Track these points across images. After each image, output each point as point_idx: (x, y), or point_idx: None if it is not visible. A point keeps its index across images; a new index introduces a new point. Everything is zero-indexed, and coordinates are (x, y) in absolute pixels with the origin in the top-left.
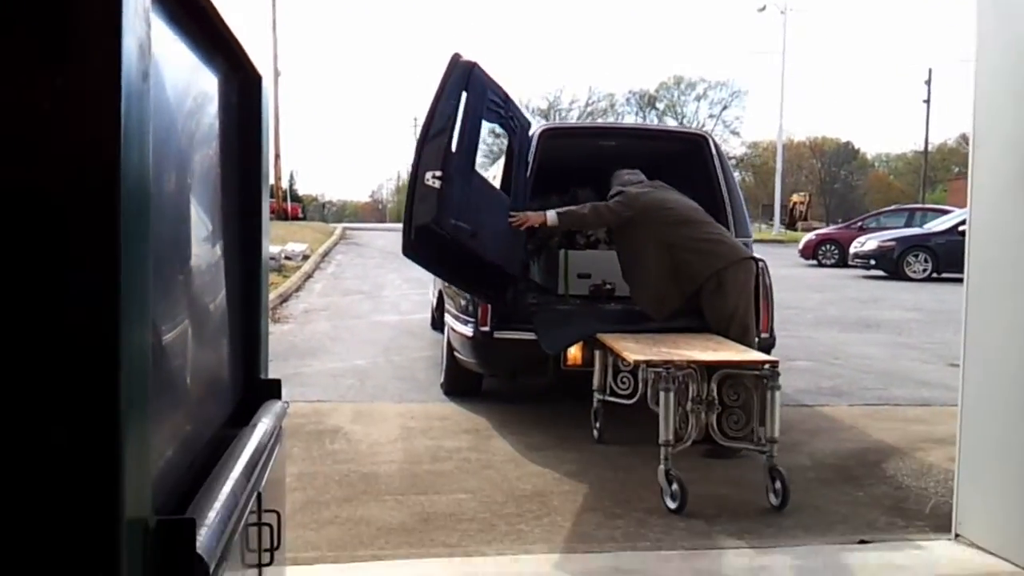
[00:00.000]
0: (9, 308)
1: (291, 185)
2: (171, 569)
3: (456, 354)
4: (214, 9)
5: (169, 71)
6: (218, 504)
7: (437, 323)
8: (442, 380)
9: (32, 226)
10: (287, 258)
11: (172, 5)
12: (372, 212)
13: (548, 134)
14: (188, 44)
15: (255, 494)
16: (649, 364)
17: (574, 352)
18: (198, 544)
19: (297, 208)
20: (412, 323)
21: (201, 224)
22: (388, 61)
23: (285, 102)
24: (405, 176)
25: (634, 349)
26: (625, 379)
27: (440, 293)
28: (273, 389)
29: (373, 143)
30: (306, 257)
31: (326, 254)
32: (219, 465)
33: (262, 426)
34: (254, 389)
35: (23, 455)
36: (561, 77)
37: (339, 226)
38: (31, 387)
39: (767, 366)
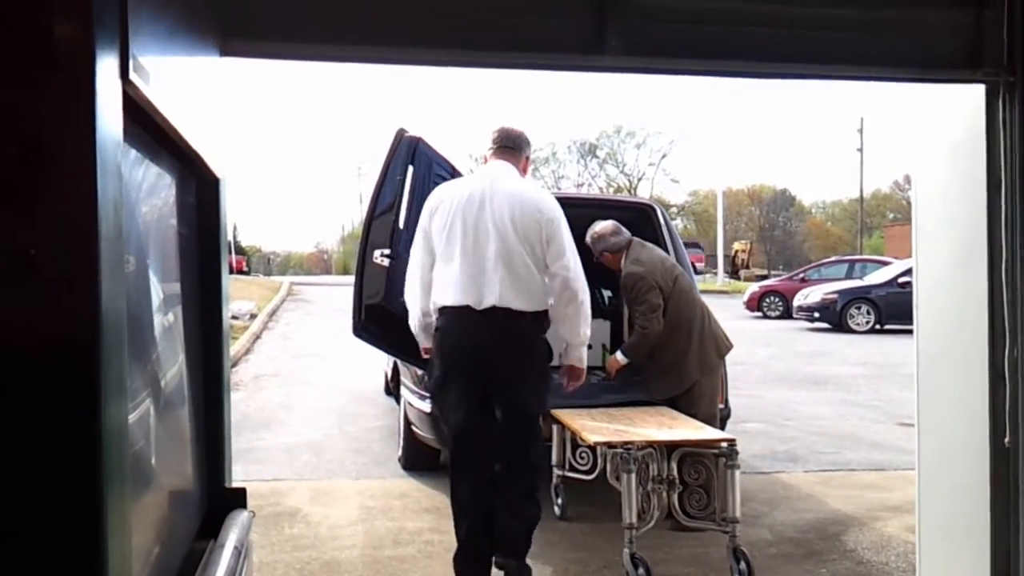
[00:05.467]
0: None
1: (234, 236)
2: None
3: (413, 428)
4: (175, 130)
5: (136, 184)
6: None
7: (391, 390)
8: (399, 454)
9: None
10: (234, 317)
11: (139, 131)
12: (317, 263)
13: None
14: (151, 158)
15: None
16: (609, 446)
17: None
18: None
19: (242, 261)
20: (364, 388)
21: (170, 331)
22: (329, 109)
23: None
24: (350, 226)
25: (591, 428)
26: (584, 454)
27: (395, 362)
28: (238, 498)
29: (316, 193)
30: (253, 316)
31: (273, 312)
32: None
33: (231, 543)
34: (220, 498)
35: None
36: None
37: (286, 280)
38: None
39: (726, 444)
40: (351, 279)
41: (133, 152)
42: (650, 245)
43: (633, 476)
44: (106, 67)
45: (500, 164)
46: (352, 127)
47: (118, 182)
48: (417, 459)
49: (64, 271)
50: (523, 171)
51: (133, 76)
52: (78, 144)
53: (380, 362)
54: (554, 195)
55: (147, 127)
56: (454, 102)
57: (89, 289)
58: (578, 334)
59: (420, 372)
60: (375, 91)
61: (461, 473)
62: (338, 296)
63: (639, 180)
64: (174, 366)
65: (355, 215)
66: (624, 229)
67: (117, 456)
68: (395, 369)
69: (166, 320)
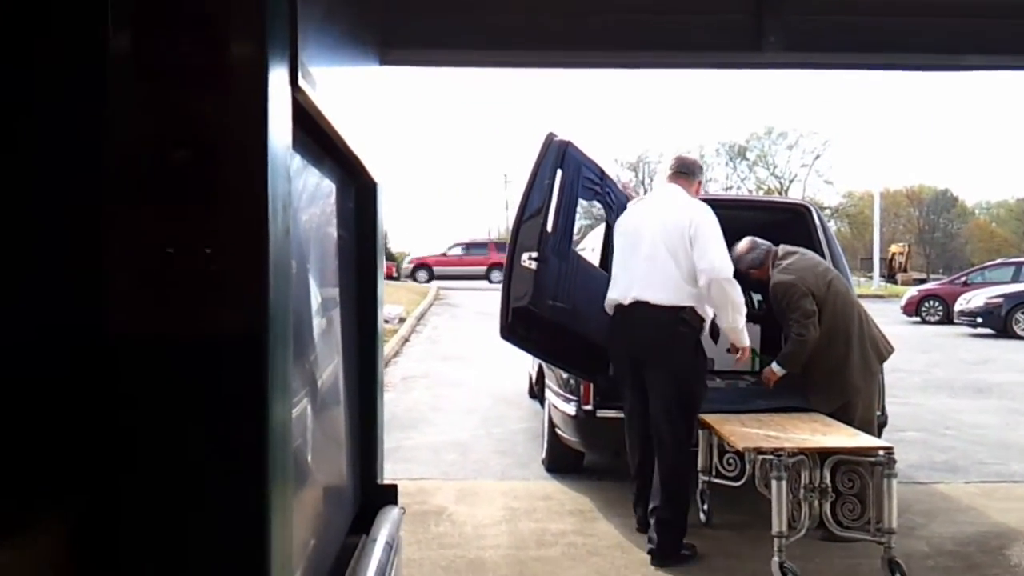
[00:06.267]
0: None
1: (385, 242)
2: None
3: (558, 431)
4: (339, 136)
5: (301, 188)
6: None
7: (535, 392)
8: (543, 456)
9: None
10: (385, 321)
11: (305, 137)
12: None
13: None
14: (316, 163)
15: None
16: (759, 452)
17: None
18: None
19: (392, 267)
20: (508, 391)
21: (327, 332)
22: (475, 116)
23: None
24: (496, 233)
25: (741, 434)
26: (731, 460)
27: (540, 365)
28: (390, 494)
29: (462, 200)
30: (402, 320)
31: (422, 316)
32: None
33: (382, 538)
34: (372, 494)
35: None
36: (648, 130)
37: (433, 285)
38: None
39: (883, 452)
40: (494, 284)
41: (299, 157)
42: (800, 250)
43: (784, 483)
44: (277, 75)
45: (672, 187)
46: (498, 134)
47: (287, 185)
48: (561, 461)
49: (235, 269)
50: (695, 193)
51: (302, 83)
52: (251, 148)
53: (524, 365)
54: (706, 198)
55: (313, 133)
56: (599, 107)
57: (258, 287)
58: (726, 320)
59: (565, 375)
60: (521, 97)
61: (631, 448)
62: (482, 300)
63: (790, 182)
64: (331, 366)
65: (500, 222)
66: (760, 241)
67: (281, 451)
68: (540, 372)
69: (324, 321)
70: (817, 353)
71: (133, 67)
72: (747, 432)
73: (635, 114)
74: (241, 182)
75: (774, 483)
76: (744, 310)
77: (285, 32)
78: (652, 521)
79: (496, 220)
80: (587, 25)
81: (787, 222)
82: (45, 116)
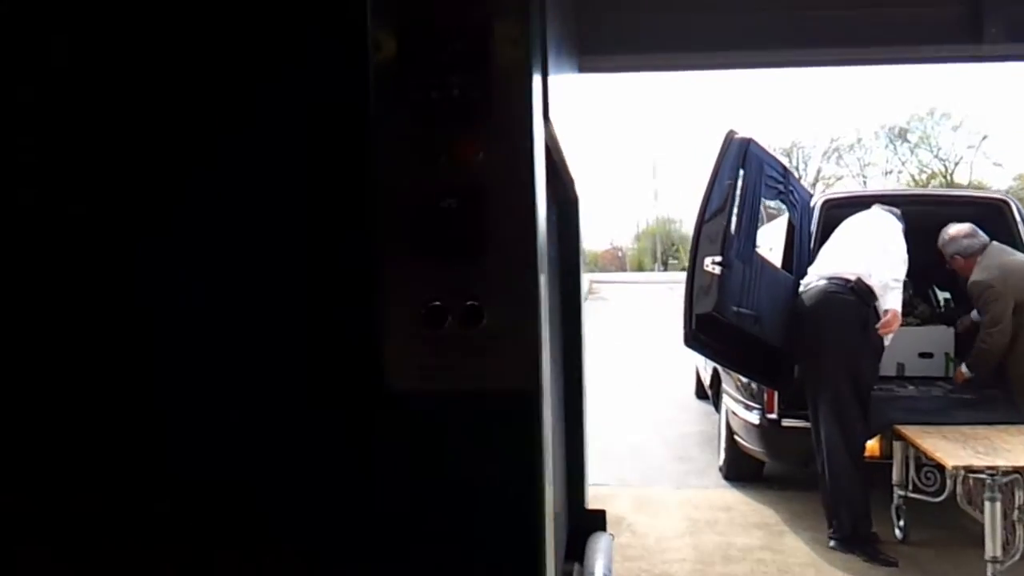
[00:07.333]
0: None
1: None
2: None
3: (737, 438)
4: (563, 158)
5: None
6: None
7: (705, 393)
8: (721, 463)
9: None
10: None
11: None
12: (612, 260)
13: (830, 204)
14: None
15: None
16: (969, 470)
17: (871, 444)
18: None
19: None
20: (674, 390)
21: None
22: (623, 105)
23: None
24: (644, 224)
25: (946, 450)
26: (930, 475)
27: (715, 368)
28: (599, 520)
29: (610, 190)
30: None
31: None
32: None
33: (599, 570)
34: (580, 518)
35: None
36: (802, 113)
37: (585, 278)
38: None
39: None
40: (644, 276)
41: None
42: (1010, 251)
43: (997, 505)
44: (537, 112)
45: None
46: (646, 124)
47: (546, 226)
48: (740, 470)
49: (508, 321)
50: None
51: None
52: (520, 193)
53: (687, 364)
54: (897, 194)
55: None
56: (749, 89)
57: (532, 337)
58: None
59: (745, 380)
60: (668, 81)
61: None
62: (633, 293)
63: (956, 165)
64: (556, 388)
65: (649, 213)
66: (981, 233)
67: (549, 507)
68: (715, 375)
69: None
70: (1017, 360)
71: (403, 110)
72: (951, 447)
73: (787, 97)
74: (508, 229)
75: (987, 504)
76: None
77: (539, 64)
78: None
79: (644, 210)
80: (794, 22)
81: (985, 217)
82: (314, 165)
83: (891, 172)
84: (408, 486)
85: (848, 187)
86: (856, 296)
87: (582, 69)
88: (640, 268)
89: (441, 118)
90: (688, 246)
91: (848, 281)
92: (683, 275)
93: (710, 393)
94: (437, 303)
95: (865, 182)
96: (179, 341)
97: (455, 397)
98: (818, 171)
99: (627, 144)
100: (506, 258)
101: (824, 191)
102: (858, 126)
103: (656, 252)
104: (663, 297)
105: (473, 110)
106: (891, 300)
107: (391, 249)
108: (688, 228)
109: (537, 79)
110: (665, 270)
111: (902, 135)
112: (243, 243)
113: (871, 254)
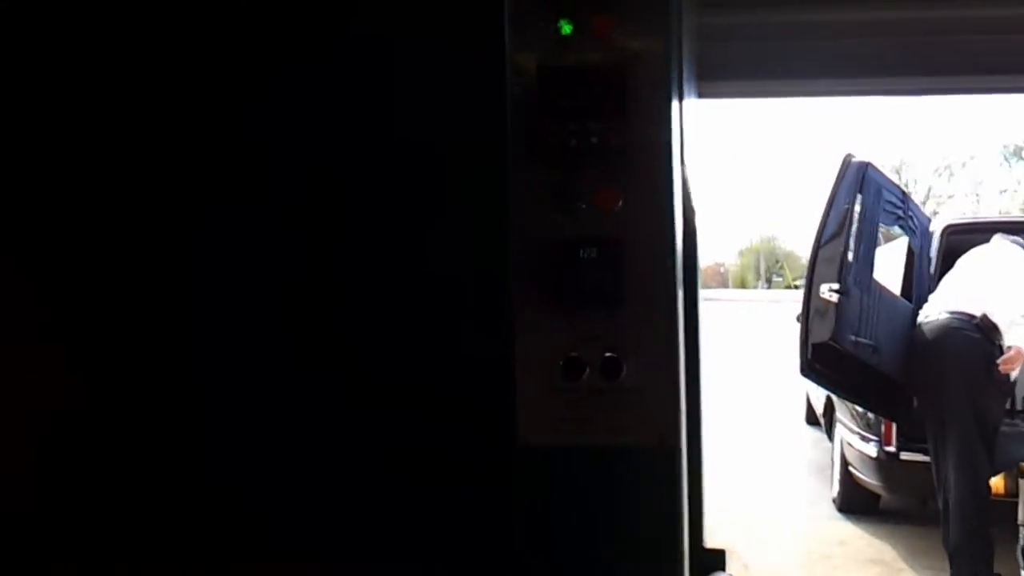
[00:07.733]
0: None
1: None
2: None
3: (852, 470)
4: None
5: None
6: None
7: (815, 419)
8: (834, 495)
9: None
10: None
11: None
12: (714, 276)
13: (952, 230)
14: None
15: None
16: None
17: (995, 481)
18: None
19: None
20: (781, 413)
21: None
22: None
23: None
24: (748, 241)
25: None
26: None
27: (828, 395)
28: (719, 560)
29: (713, 204)
30: None
31: None
32: None
33: None
34: (700, 557)
35: None
36: (911, 129)
37: None
38: None
39: None
40: (747, 293)
41: None
42: None
43: None
44: (676, 155)
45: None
46: (749, 138)
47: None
48: (855, 502)
49: (648, 374)
50: None
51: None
52: (657, 243)
53: (798, 388)
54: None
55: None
56: (856, 104)
57: (672, 391)
58: None
59: (861, 410)
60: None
61: None
62: (738, 310)
63: None
64: None
65: (752, 230)
66: None
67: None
68: (828, 402)
69: None
70: None
71: (542, 154)
72: None
73: (896, 113)
74: (652, 280)
75: None
76: None
77: (678, 107)
78: None
79: (746, 226)
80: (934, 48)
81: None
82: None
83: (1006, 191)
84: (546, 541)
85: (960, 207)
86: (981, 333)
87: (703, 95)
88: (743, 285)
89: (582, 164)
90: (791, 263)
91: (973, 317)
92: (786, 293)
93: (822, 421)
94: (575, 354)
95: (978, 200)
96: (309, 398)
97: (592, 452)
98: (928, 189)
99: (731, 157)
100: (645, 309)
101: (935, 211)
102: (971, 143)
103: (760, 269)
104: (768, 315)
105: (614, 157)
106: (1016, 336)
107: (527, 298)
108: (787, 244)
109: (676, 124)
110: (769, 287)
111: (1017, 152)
112: (377, 288)
113: (996, 289)
